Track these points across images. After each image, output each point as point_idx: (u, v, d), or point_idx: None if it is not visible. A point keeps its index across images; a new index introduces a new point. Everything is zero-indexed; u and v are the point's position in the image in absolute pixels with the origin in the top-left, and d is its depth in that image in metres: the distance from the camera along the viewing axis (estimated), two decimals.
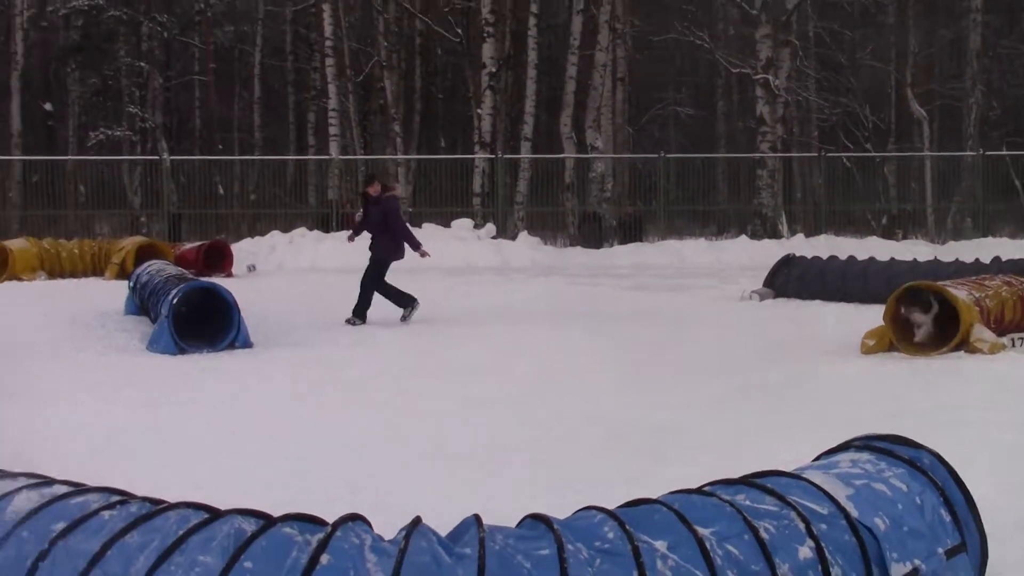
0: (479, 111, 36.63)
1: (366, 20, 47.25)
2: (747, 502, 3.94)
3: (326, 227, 31.70)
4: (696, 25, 42.43)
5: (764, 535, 3.71)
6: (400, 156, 40.31)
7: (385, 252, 16.59)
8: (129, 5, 43.28)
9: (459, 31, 43.56)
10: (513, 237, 30.28)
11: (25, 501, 4.20)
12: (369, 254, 16.54)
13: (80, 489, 4.33)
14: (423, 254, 16.85)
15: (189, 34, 50.04)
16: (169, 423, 9.22)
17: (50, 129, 45.21)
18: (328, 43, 39.86)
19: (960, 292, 12.44)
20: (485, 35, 35.98)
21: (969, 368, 11.28)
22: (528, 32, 36.80)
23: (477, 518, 3.64)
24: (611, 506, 3.93)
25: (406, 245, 16.69)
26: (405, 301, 16.42)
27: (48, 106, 44.84)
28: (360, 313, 16.19)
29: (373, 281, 16.41)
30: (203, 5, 50.79)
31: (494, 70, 36.12)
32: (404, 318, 16.24)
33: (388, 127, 42.91)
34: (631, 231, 32.71)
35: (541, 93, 38.58)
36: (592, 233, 32.82)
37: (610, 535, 3.54)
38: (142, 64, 45.01)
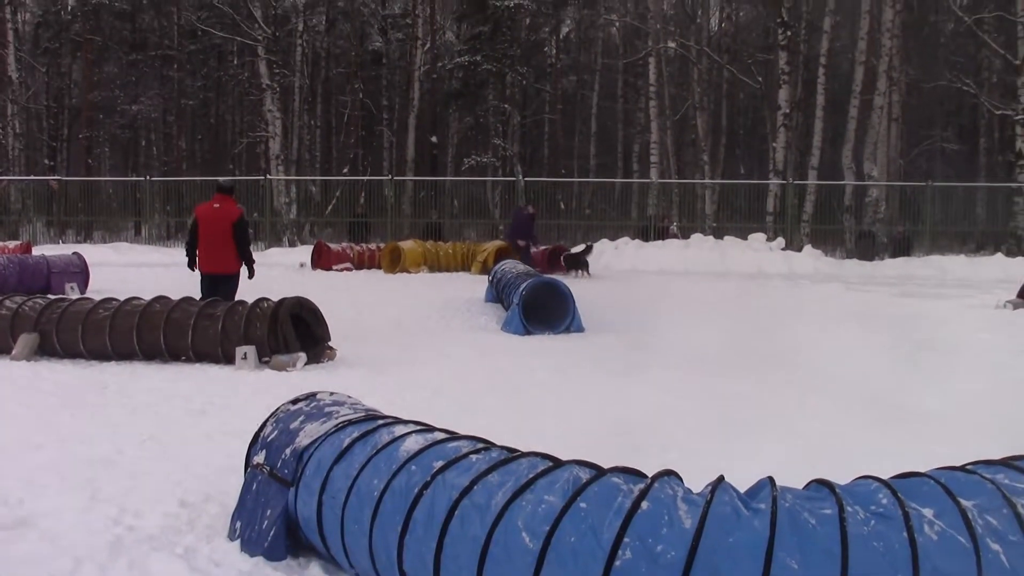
0: (774, 145, 36.05)
1: (683, 70, 47.17)
2: (1006, 480, 3.72)
3: (645, 236, 31.65)
4: (963, 72, 40.57)
5: (1021, 510, 3.49)
6: (707, 180, 39.99)
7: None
8: (498, 60, 44.34)
9: (759, 79, 42.93)
10: (799, 249, 29.49)
11: (413, 443, 4.36)
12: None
13: (453, 436, 4.47)
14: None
15: (542, 82, 50.93)
16: (515, 387, 9.39)
17: (434, 157, 46.73)
18: (652, 89, 39.88)
19: None
20: (781, 82, 35.34)
21: None
22: (817, 80, 35.98)
23: (771, 479, 3.56)
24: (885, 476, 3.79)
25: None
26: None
27: (434, 139, 46.37)
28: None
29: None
30: (553, 59, 51.71)
31: (787, 111, 35.42)
32: None
33: (698, 157, 42.73)
34: (900, 247, 31.37)
35: (826, 131, 37.51)
36: (866, 248, 31.69)
37: (884, 500, 3.41)
38: (505, 106, 46.05)
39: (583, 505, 3.53)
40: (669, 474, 3.70)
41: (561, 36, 55.00)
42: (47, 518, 5.35)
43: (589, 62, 53.57)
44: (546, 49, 53.71)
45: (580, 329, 13.60)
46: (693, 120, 43.13)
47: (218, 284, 12.69)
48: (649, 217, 35.53)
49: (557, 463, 3.93)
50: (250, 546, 4.88)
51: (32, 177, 40.52)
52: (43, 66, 50.51)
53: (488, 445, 4.29)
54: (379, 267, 25.37)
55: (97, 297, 12.19)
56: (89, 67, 46.33)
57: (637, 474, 3.77)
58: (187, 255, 13.16)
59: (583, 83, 53.99)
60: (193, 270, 13.12)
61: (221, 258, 12.79)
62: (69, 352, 10.96)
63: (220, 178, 17.72)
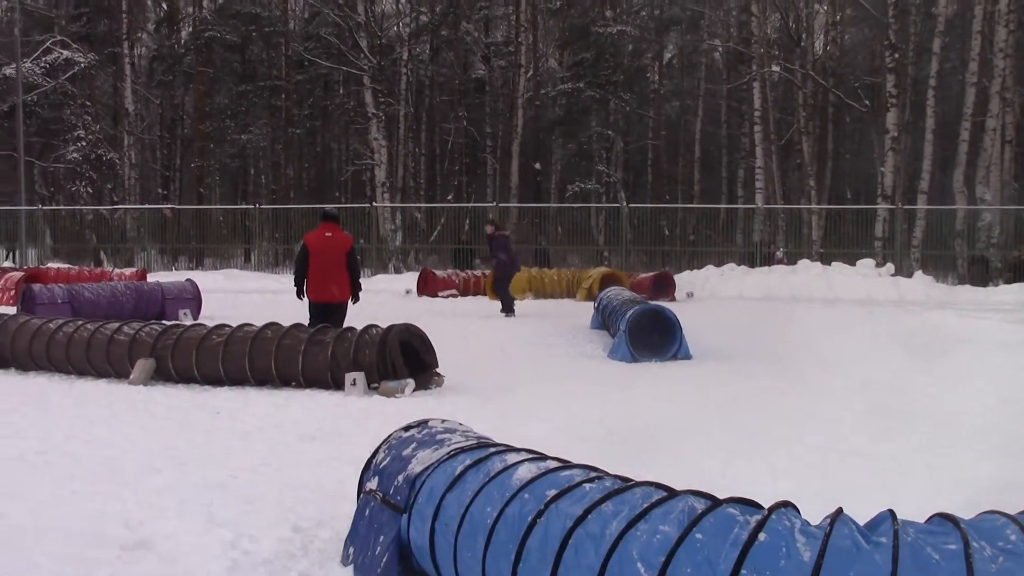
0: (882, 169, 35.47)
1: (788, 94, 46.73)
2: None
3: (751, 262, 31.36)
4: None
5: None
6: (814, 206, 39.45)
7: (501, 270, 20.95)
8: (601, 87, 44.44)
9: (866, 102, 42.31)
10: (909, 275, 28.89)
11: (526, 471, 4.36)
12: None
13: (566, 465, 4.45)
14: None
15: (645, 108, 50.82)
16: (624, 416, 9.35)
17: (538, 183, 46.90)
18: (756, 113, 39.63)
19: None
20: (889, 105, 34.81)
21: None
22: (926, 102, 35.36)
23: (891, 512, 3.49)
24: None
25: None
26: (508, 306, 20.39)
27: (537, 165, 46.53)
28: (508, 308, 20.30)
29: (500, 285, 20.89)
30: (656, 85, 51.60)
31: (896, 134, 34.87)
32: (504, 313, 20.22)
33: (804, 182, 42.22)
34: (1017, 272, 30.54)
35: (936, 154, 36.82)
36: (979, 274, 30.95)
37: (1012, 537, 3.30)
38: (609, 132, 46.08)
39: (699, 536, 3.49)
40: (786, 505, 3.65)
41: (664, 62, 54.91)
42: (166, 541, 5.46)
43: (692, 87, 53.39)
44: (649, 75, 53.62)
45: (687, 356, 13.48)
46: (798, 144, 42.68)
47: (328, 312, 12.87)
48: (755, 243, 35.21)
49: (672, 493, 3.90)
50: (363, 572, 4.92)
51: (146, 205, 41.61)
52: (157, 98, 51.95)
53: (601, 474, 4.27)
54: (484, 294, 25.49)
55: (209, 323, 12.46)
56: (201, 98, 47.50)
57: (754, 505, 3.72)
58: (295, 284, 13.36)
59: (686, 108, 53.81)
60: (301, 299, 13.32)
61: (333, 286, 12.97)
62: (184, 377, 11.21)
63: (326, 206, 18.01)
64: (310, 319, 12.77)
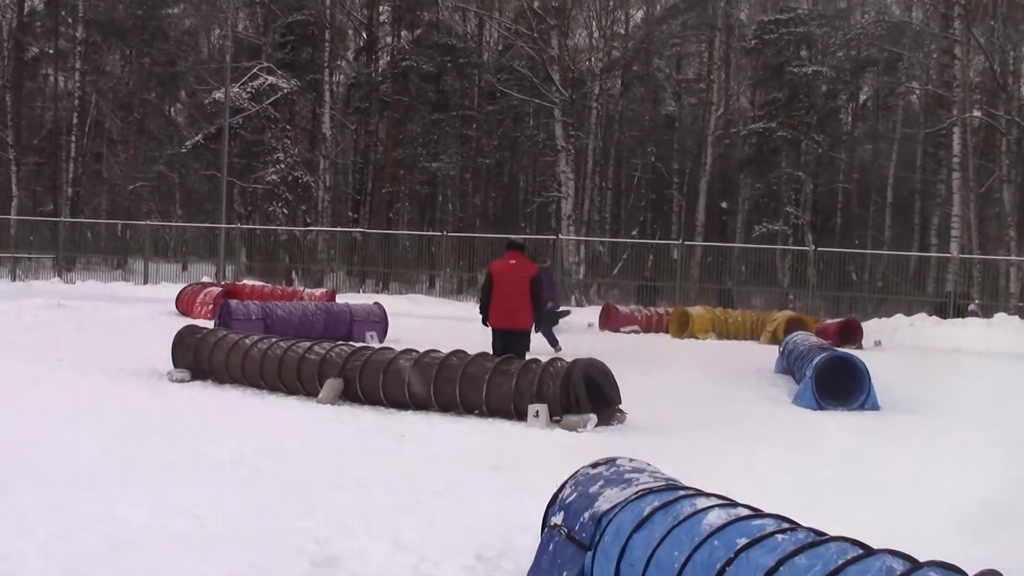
0: None
1: (989, 140, 45.07)
2: None
3: (942, 313, 30.30)
4: None
5: None
6: (1013, 257, 37.86)
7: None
8: (793, 127, 43.80)
9: None
10: None
11: (716, 517, 4.32)
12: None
13: (758, 513, 4.39)
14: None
15: (837, 150, 49.80)
16: (811, 465, 9.14)
17: (723, 222, 46.51)
18: (955, 160, 38.36)
19: None
20: None
21: None
22: None
23: None
24: None
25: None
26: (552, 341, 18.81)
27: (724, 204, 46.15)
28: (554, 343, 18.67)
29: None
30: (849, 127, 50.58)
31: None
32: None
33: (1003, 232, 40.55)
34: None
35: None
36: None
37: None
38: (799, 173, 45.33)
39: None
40: (992, 574, 3.52)
41: (859, 103, 53.76)
42: (354, 559, 5.60)
43: (887, 130, 52.11)
44: (842, 116, 52.60)
45: (875, 407, 13.06)
46: (998, 193, 41.07)
47: (511, 339, 13.02)
48: (947, 293, 33.99)
49: (868, 551, 3.80)
50: None
51: (337, 228, 42.81)
52: (353, 124, 53.47)
53: (794, 525, 4.19)
54: (666, 331, 25.33)
55: (395, 347, 12.73)
56: (395, 126, 48.73)
57: (956, 570, 3.59)
58: (480, 311, 13.56)
59: (879, 152, 52.49)
60: (486, 326, 13.50)
61: (516, 314, 13.13)
62: (370, 399, 11.46)
63: (512, 236, 18.25)
64: (493, 347, 12.93)
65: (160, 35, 51.99)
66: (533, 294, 13.21)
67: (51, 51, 51.49)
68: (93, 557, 5.41)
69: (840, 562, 3.68)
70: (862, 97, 54.43)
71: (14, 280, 34.87)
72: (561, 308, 21.05)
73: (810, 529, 4.16)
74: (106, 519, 6.13)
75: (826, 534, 4.06)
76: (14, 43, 49.32)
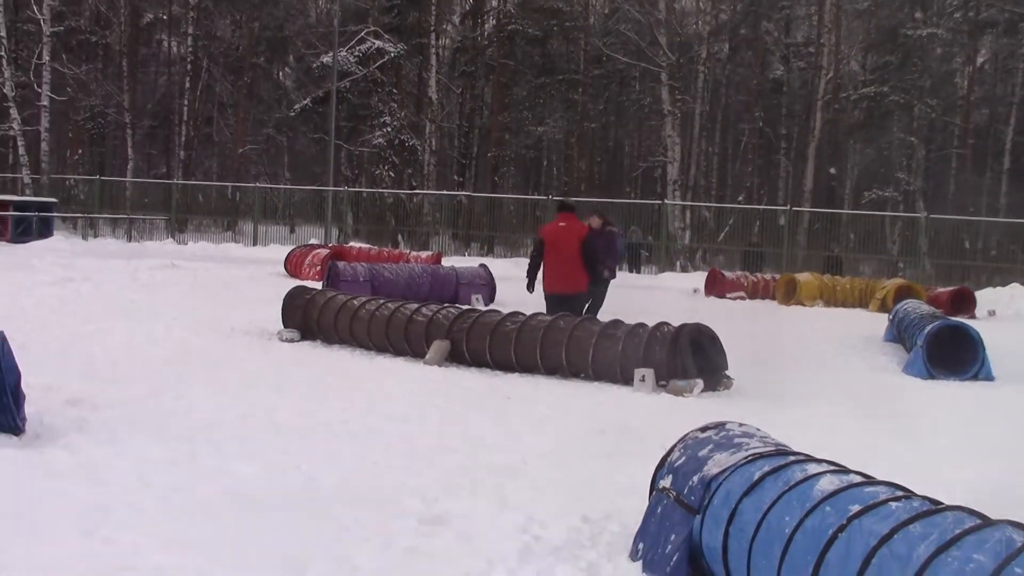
0: None
1: None
2: None
3: None
4: None
5: None
6: None
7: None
8: (906, 91, 42.76)
9: None
10: None
11: (828, 483, 4.26)
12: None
13: (870, 480, 4.32)
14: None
15: (951, 115, 48.55)
16: (920, 434, 8.97)
17: (832, 188, 45.69)
18: None
19: None
20: None
21: None
22: None
23: None
24: None
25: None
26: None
27: (832, 170, 45.33)
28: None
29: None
30: (965, 91, 49.20)
31: None
32: None
33: None
34: None
35: None
36: None
37: None
38: (912, 138, 44.30)
39: (1018, 571, 3.30)
40: None
41: (976, 66, 52.22)
42: (461, 519, 5.66)
43: (1005, 94, 50.51)
44: (958, 80, 51.17)
45: (990, 377, 12.75)
46: None
47: (564, 304, 12.76)
48: None
49: (987, 521, 3.71)
50: (653, 569, 4.94)
51: (443, 192, 43.04)
52: (459, 88, 53.61)
53: (908, 494, 4.11)
54: (773, 298, 25.01)
55: (501, 309, 12.78)
56: (501, 90, 48.73)
57: None
58: (528, 275, 13.39)
59: (997, 116, 50.91)
60: (531, 291, 13.34)
61: (568, 278, 12.91)
62: (476, 361, 11.54)
63: (563, 198, 17.80)
64: (549, 312, 12.55)
65: (269, 0, 52.59)
66: (585, 256, 12.97)
67: (165, 16, 52.35)
68: (208, 509, 5.56)
69: (957, 531, 3.60)
70: (979, 60, 52.81)
71: (130, 241, 35.69)
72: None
73: (924, 497, 4.08)
74: (221, 472, 6.30)
75: (942, 503, 3.98)
76: (130, 9, 50.32)
